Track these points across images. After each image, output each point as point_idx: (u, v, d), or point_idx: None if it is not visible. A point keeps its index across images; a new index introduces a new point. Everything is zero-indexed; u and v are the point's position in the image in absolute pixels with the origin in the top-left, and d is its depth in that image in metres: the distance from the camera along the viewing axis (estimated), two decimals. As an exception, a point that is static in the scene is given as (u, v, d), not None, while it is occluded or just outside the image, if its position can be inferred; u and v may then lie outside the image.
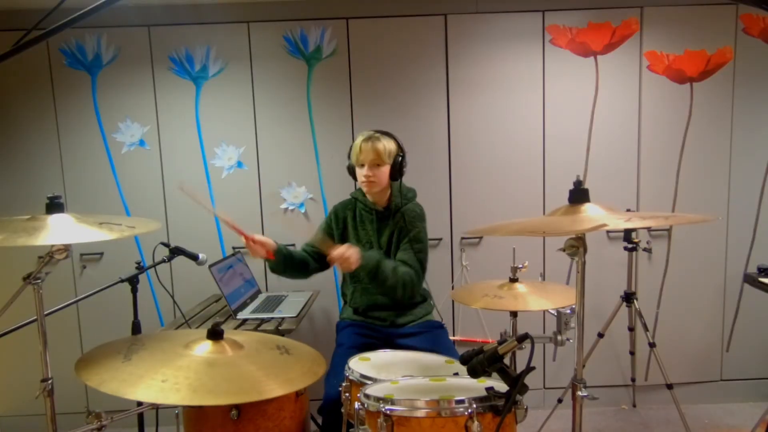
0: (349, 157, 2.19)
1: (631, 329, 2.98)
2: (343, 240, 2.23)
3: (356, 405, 1.41)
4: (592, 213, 1.40)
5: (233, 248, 3.02)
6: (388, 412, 1.33)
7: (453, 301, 3.08)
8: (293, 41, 2.97)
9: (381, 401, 1.36)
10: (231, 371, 1.31)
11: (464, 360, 1.34)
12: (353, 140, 2.23)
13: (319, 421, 1.88)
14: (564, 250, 1.36)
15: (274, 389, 1.27)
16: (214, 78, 2.99)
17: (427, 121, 3.01)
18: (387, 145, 2.12)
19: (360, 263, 1.92)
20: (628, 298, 2.76)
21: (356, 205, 2.26)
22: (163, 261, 2.25)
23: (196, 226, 3.04)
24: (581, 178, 1.48)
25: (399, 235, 2.17)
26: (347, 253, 1.89)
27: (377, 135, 2.14)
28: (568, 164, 3.02)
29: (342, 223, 2.27)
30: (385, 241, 2.18)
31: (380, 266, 1.98)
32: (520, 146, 3.02)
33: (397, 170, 2.15)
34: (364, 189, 2.17)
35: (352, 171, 2.20)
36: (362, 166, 2.12)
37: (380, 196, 2.19)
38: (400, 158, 2.15)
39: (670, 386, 2.67)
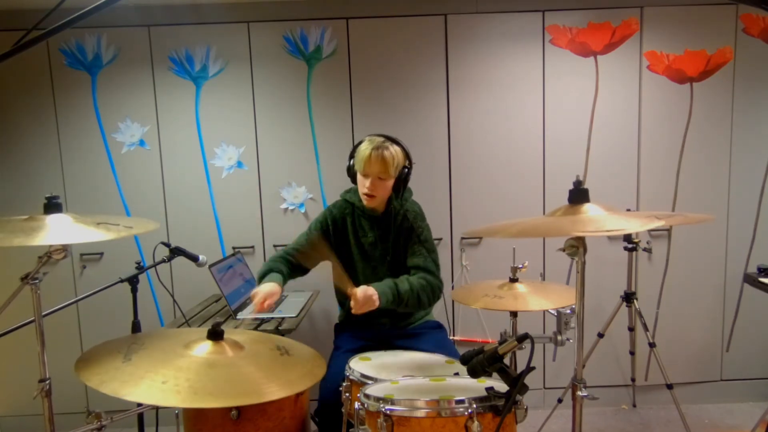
0: (351, 157, 2.07)
1: (631, 329, 2.98)
2: (341, 246, 2.15)
3: (356, 405, 1.41)
4: (592, 214, 1.39)
5: (233, 248, 3.02)
6: (388, 412, 1.33)
7: (453, 301, 3.08)
8: (293, 41, 2.97)
9: (381, 401, 1.36)
10: (231, 372, 1.31)
11: (464, 360, 1.34)
12: (353, 141, 2.10)
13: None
14: (564, 250, 1.36)
15: (275, 391, 1.26)
16: (214, 78, 2.99)
17: (427, 121, 3.01)
18: (396, 156, 1.98)
19: (381, 299, 1.84)
20: (628, 298, 2.76)
21: (354, 210, 2.15)
22: (163, 261, 2.24)
23: (196, 225, 3.04)
24: (581, 178, 1.48)
25: (404, 236, 2.10)
26: (369, 291, 1.80)
27: (386, 143, 1.98)
28: (568, 164, 3.02)
29: (341, 228, 2.16)
30: (390, 243, 2.11)
31: (398, 291, 1.91)
32: (520, 146, 3.02)
33: (401, 183, 2.04)
34: (363, 201, 2.06)
35: (351, 173, 2.09)
36: (366, 176, 2.00)
37: (379, 202, 2.10)
38: (406, 171, 2.04)
39: (670, 386, 2.67)
